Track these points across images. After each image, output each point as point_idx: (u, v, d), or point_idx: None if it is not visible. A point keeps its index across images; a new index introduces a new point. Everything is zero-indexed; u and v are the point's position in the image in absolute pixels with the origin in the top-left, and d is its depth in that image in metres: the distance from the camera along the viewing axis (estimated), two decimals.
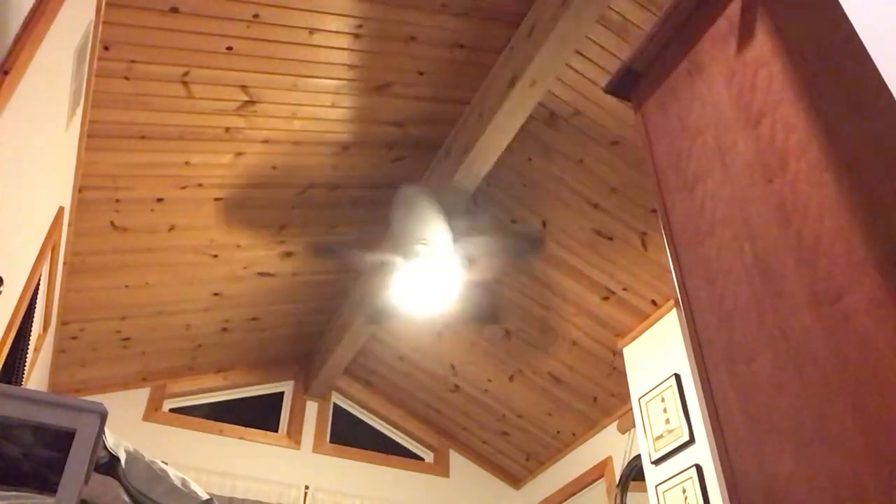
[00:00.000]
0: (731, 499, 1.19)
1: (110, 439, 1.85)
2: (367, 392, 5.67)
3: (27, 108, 2.05)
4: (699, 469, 3.41)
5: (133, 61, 2.94)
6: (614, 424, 4.72)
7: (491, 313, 4.15)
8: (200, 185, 3.60)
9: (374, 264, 3.92)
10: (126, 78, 2.99)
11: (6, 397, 1.54)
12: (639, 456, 4.09)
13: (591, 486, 4.84)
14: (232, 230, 3.94)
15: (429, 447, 5.71)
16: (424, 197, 3.45)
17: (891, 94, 1.04)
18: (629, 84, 1.77)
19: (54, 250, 3.10)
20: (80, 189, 3.32)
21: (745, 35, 1.40)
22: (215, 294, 4.39)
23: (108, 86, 2.99)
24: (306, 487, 5.00)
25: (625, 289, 4.11)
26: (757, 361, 1.20)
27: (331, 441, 5.40)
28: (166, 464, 2.04)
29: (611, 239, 3.93)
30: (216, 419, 5.10)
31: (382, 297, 4.09)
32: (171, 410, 5.03)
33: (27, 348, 3.02)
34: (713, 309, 1.34)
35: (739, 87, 1.38)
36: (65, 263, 3.59)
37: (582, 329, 4.44)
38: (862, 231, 1.06)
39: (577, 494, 4.97)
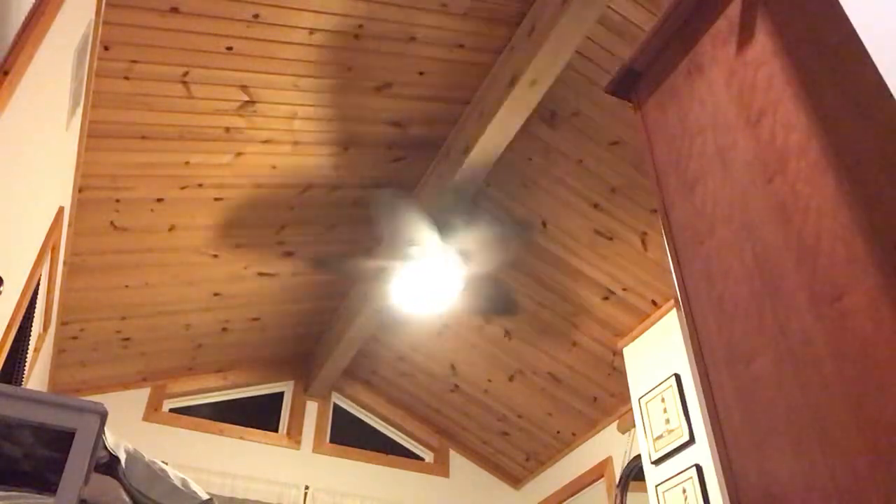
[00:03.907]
0: (731, 499, 1.19)
1: (110, 439, 1.85)
2: (367, 392, 5.66)
3: (27, 108, 2.05)
4: (699, 469, 3.41)
5: (133, 61, 2.94)
6: (614, 424, 4.72)
7: (505, 304, 4.09)
8: (200, 185, 3.60)
9: (372, 272, 3.92)
10: (126, 78, 2.99)
11: (6, 397, 1.54)
12: (639, 456, 4.08)
13: (591, 486, 4.83)
14: (232, 230, 3.94)
15: (429, 447, 5.71)
16: (402, 200, 3.45)
17: (891, 94, 1.04)
18: (629, 84, 1.77)
19: (54, 250, 3.10)
20: (80, 189, 3.32)
21: (745, 35, 1.40)
22: (215, 294, 4.39)
23: (108, 86, 2.99)
24: (306, 487, 5.00)
25: (625, 289, 4.11)
26: (757, 361, 1.20)
27: (331, 441, 5.40)
28: (166, 464, 2.04)
29: (611, 239, 3.93)
30: (216, 419, 5.10)
31: (384, 300, 4.09)
32: (171, 410, 5.03)
33: (27, 348, 3.02)
34: (713, 309, 1.34)
35: (739, 87, 1.38)
36: (65, 263, 3.59)
37: (582, 329, 4.44)
38: (862, 231, 1.06)
39: (577, 494, 4.97)
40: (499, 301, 4.05)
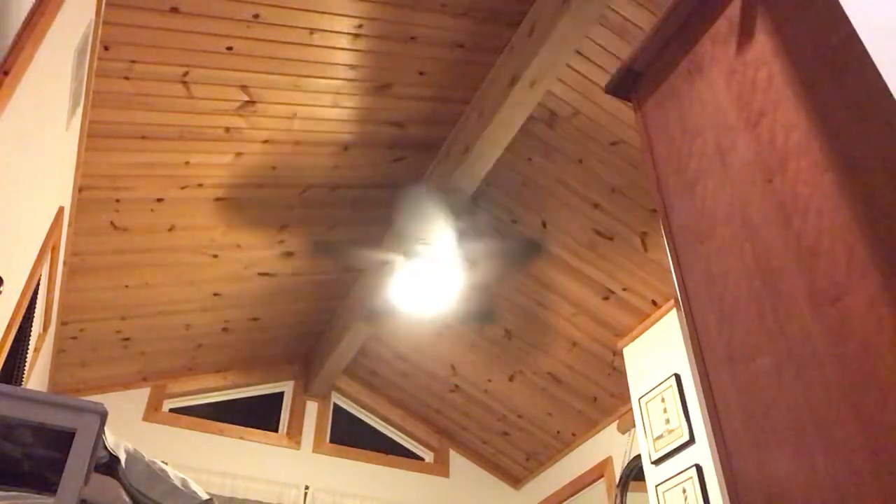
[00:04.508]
0: (730, 499, 1.19)
1: (110, 439, 1.85)
2: (367, 392, 5.67)
3: (27, 108, 2.05)
4: (699, 469, 3.41)
5: (133, 61, 2.94)
6: (614, 424, 4.72)
7: (488, 313, 4.14)
8: (200, 185, 3.60)
9: (374, 263, 3.93)
10: (126, 78, 2.99)
11: (6, 397, 1.54)
12: (639, 456, 4.09)
13: (591, 486, 4.84)
14: (232, 230, 3.94)
15: (429, 447, 5.71)
16: (428, 197, 3.45)
17: (891, 94, 1.04)
18: (629, 84, 1.77)
19: (54, 250, 3.10)
20: (80, 189, 3.32)
21: (745, 35, 1.40)
22: (215, 294, 4.39)
23: (108, 86, 2.99)
24: (306, 487, 5.00)
25: (625, 289, 4.11)
26: (757, 361, 1.20)
27: (331, 441, 5.40)
28: (166, 464, 2.04)
29: (611, 239, 3.93)
30: (216, 419, 5.10)
31: (380, 296, 4.10)
32: (171, 410, 5.03)
33: (27, 348, 3.02)
34: (713, 309, 1.33)
35: (739, 87, 1.38)
36: (65, 263, 3.59)
37: (582, 329, 4.44)
38: (862, 231, 1.06)
39: (577, 494, 4.97)
40: (476, 307, 4.06)
